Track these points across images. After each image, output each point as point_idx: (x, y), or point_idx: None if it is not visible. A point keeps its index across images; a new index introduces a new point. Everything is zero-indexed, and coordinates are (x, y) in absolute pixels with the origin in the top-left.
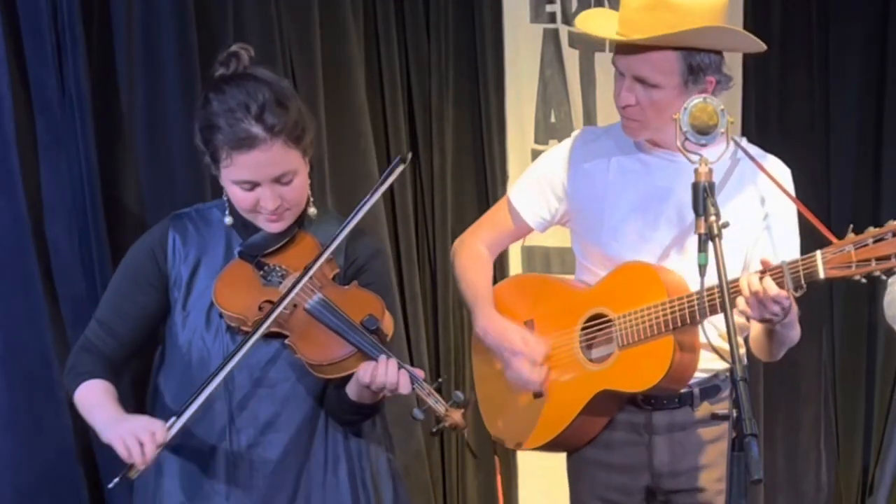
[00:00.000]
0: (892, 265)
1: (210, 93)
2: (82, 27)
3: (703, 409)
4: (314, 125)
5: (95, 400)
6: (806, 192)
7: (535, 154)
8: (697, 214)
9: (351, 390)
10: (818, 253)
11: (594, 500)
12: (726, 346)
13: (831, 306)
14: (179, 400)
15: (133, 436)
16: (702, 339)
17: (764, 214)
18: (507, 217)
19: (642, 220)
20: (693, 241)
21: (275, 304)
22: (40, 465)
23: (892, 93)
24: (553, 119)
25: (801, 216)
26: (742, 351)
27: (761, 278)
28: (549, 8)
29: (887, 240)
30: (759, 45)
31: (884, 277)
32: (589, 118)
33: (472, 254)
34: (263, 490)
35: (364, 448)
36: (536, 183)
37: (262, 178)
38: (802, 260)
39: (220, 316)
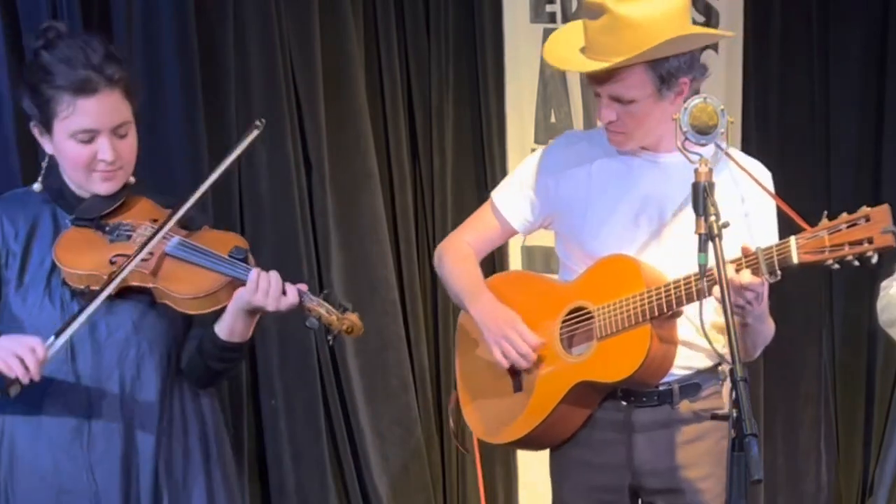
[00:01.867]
0: (864, 249)
1: (40, 51)
2: (82, 27)
3: (684, 407)
4: (141, 97)
5: None
6: (805, 193)
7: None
8: (698, 214)
9: (223, 328)
10: (792, 238)
11: (578, 499)
12: (704, 343)
13: (831, 306)
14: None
15: (10, 352)
16: (681, 335)
17: (744, 213)
18: (492, 220)
19: (624, 219)
20: (671, 238)
21: (139, 247)
22: None
23: (893, 93)
24: (553, 119)
25: (780, 219)
26: (723, 350)
27: (736, 268)
28: (549, 8)
29: (860, 225)
30: (724, 36)
31: (856, 263)
32: (589, 118)
33: (458, 252)
34: (124, 455)
35: (208, 403)
36: (520, 185)
37: (103, 125)
38: (777, 246)
39: (64, 283)
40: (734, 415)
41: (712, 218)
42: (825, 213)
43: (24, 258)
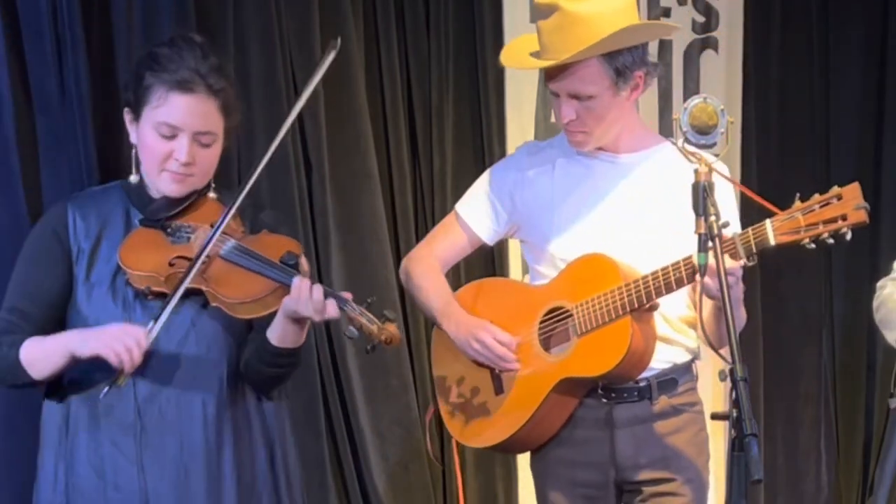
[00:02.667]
0: (839, 226)
1: (161, 45)
2: (82, 27)
3: (662, 402)
4: (239, 118)
5: (48, 339)
6: (805, 193)
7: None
8: (698, 215)
9: (273, 333)
10: (767, 221)
11: (564, 498)
12: (674, 336)
13: (831, 306)
14: (87, 373)
15: (121, 343)
16: (659, 331)
17: None
18: (458, 231)
19: (590, 221)
20: (638, 236)
21: (198, 252)
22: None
23: (893, 93)
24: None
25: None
26: (695, 345)
27: (714, 255)
28: None
29: (832, 204)
30: (673, 29)
31: (831, 241)
32: None
33: (425, 265)
34: (177, 454)
35: (272, 411)
36: (485, 195)
37: (187, 126)
38: (753, 229)
39: (127, 283)
40: (734, 415)
41: (712, 218)
42: (797, 195)
43: (92, 255)
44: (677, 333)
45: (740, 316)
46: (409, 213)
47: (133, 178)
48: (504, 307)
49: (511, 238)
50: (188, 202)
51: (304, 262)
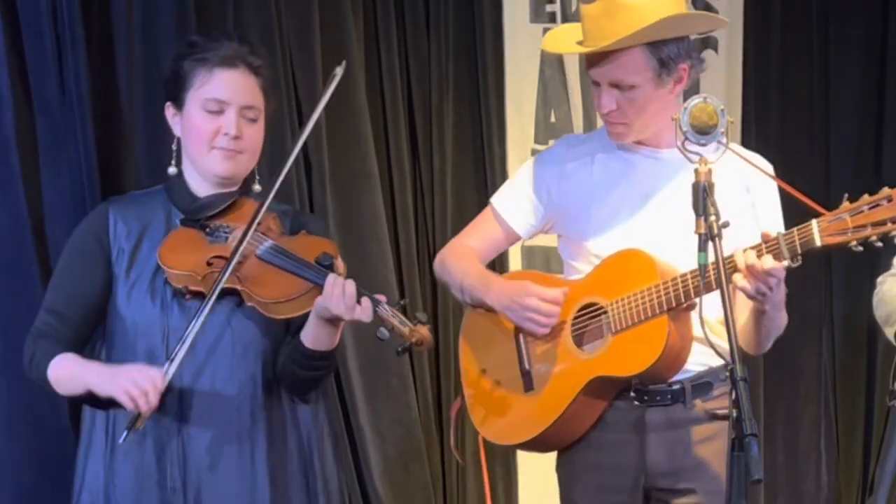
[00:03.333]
0: (888, 229)
1: (196, 36)
2: (82, 27)
3: (697, 406)
4: (275, 106)
5: (75, 365)
6: (805, 193)
7: (536, 154)
8: (697, 214)
9: (307, 335)
10: (814, 221)
11: (591, 501)
12: (716, 340)
13: (831, 306)
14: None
15: (136, 386)
16: (696, 332)
17: (751, 203)
18: (494, 226)
19: (629, 216)
20: (678, 233)
21: (232, 251)
22: (40, 465)
23: (893, 93)
24: (553, 119)
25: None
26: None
27: (758, 254)
28: (549, 8)
29: (882, 206)
30: (721, 23)
31: (879, 244)
32: (588, 118)
33: (460, 252)
34: (211, 450)
35: (307, 415)
36: (521, 189)
37: (234, 99)
38: (798, 229)
39: (166, 283)
40: (734, 415)
41: (712, 218)
42: (846, 195)
43: (133, 254)
44: (714, 335)
45: (781, 318)
46: (409, 213)
47: (171, 170)
48: None
49: (547, 233)
50: (230, 201)
51: (339, 264)
